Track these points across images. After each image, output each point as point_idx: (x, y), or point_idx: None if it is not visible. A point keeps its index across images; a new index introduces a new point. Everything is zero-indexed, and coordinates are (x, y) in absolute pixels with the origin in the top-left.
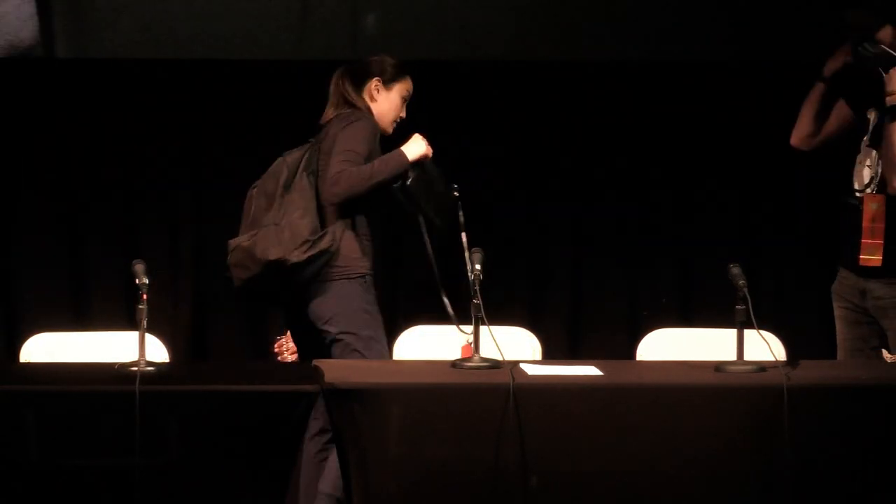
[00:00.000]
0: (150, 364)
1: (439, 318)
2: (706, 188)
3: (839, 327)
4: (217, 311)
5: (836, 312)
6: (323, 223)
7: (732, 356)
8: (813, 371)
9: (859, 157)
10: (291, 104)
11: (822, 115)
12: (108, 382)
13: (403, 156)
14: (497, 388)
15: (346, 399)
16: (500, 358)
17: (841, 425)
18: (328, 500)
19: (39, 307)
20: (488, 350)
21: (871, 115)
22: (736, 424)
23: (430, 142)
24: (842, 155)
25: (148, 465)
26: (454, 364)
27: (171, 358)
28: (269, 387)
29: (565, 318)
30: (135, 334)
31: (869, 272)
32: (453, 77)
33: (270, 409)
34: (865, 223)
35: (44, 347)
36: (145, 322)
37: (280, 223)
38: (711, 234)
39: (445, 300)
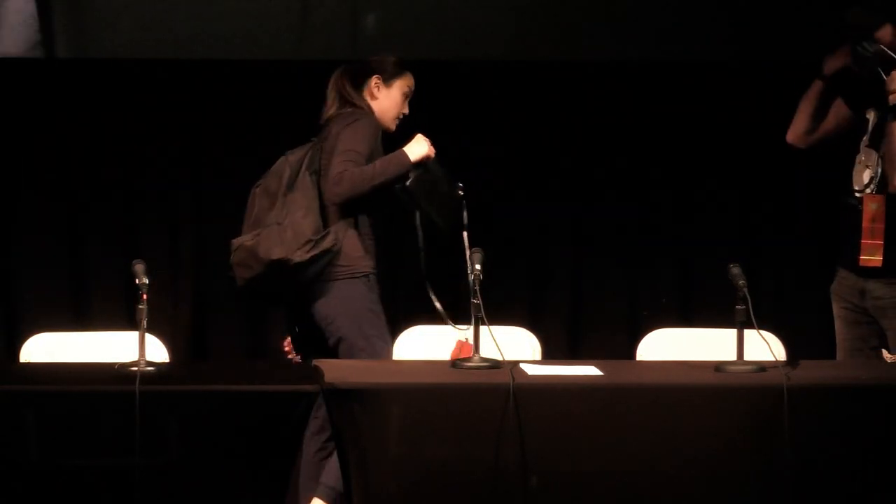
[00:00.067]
0: (150, 364)
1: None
2: (706, 188)
3: (838, 327)
4: (217, 311)
5: (836, 312)
6: (326, 222)
7: (732, 356)
8: (813, 371)
9: (859, 158)
10: (291, 104)
11: (819, 113)
12: (108, 382)
13: (406, 156)
14: (497, 388)
15: (346, 399)
16: (500, 358)
17: (841, 425)
18: (329, 492)
19: (39, 307)
20: (488, 350)
21: (871, 116)
22: (736, 424)
23: (431, 141)
24: (841, 155)
25: (148, 465)
26: (454, 364)
27: (171, 358)
28: (269, 387)
29: (565, 318)
30: (135, 334)
31: (868, 272)
32: (453, 77)
33: (270, 409)
34: (865, 223)
35: (44, 347)
36: (145, 322)
37: (283, 223)
38: (711, 234)
39: (433, 297)
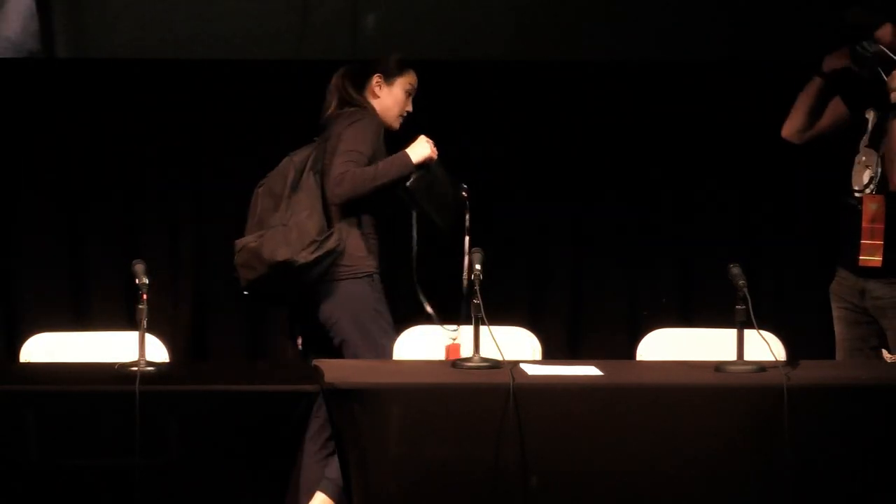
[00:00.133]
0: (150, 364)
1: (442, 317)
2: (706, 188)
3: (838, 328)
4: (217, 311)
5: (835, 313)
6: (329, 222)
7: (732, 356)
8: (813, 371)
9: (858, 158)
10: (291, 104)
11: (816, 110)
12: (108, 382)
13: (408, 158)
14: (497, 388)
15: (346, 399)
16: (500, 358)
17: (841, 425)
18: (334, 487)
19: (39, 307)
20: (488, 350)
21: (870, 116)
22: (736, 424)
23: (433, 143)
24: (841, 155)
25: (148, 465)
26: (454, 364)
27: (171, 358)
28: (269, 387)
29: (565, 318)
30: (135, 334)
31: (868, 272)
32: (453, 77)
33: (270, 409)
34: (865, 224)
35: (44, 347)
36: (145, 322)
37: (287, 223)
38: (711, 234)
39: (422, 298)
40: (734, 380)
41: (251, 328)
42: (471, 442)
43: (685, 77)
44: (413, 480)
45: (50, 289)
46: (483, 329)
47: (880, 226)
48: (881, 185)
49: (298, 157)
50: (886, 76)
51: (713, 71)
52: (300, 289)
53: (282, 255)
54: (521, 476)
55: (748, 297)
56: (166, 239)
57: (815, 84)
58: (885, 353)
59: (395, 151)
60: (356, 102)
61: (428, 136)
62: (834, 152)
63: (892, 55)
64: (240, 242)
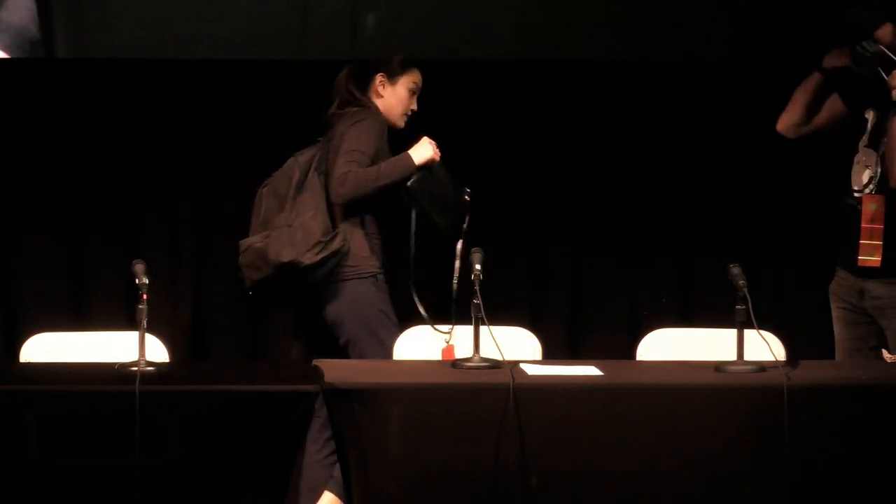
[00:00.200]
0: (150, 364)
1: (441, 318)
2: (706, 188)
3: (837, 328)
4: (217, 311)
5: (834, 313)
6: (333, 222)
7: (732, 356)
8: (813, 371)
9: (857, 158)
10: (291, 104)
11: (814, 106)
12: (108, 382)
13: (410, 159)
14: (497, 388)
15: (346, 399)
16: (500, 358)
17: (841, 425)
18: (339, 485)
19: (39, 307)
20: (488, 350)
21: (870, 116)
22: (736, 424)
23: (435, 144)
24: (840, 155)
25: (148, 465)
26: (454, 364)
27: (171, 358)
28: (269, 387)
29: (565, 318)
30: (135, 334)
31: (867, 272)
32: (453, 77)
33: (270, 409)
34: (864, 224)
35: (44, 347)
36: (145, 322)
37: (293, 224)
38: (711, 234)
39: (416, 299)
40: (734, 380)
41: (251, 328)
42: (471, 442)
43: (685, 77)
44: (413, 480)
45: (50, 289)
46: (483, 329)
47: (879, 226)
48: (881, 185)
49: (303, 157)
50: (886, 76)
51: (713, 71)
52: (305, 289)
53: (287, 255)
54: (521, 476)
55: (748, 297)
56: (166, 239)
57: (814, 79)
58: (884, 352)
59: (398, 153)
60: (360, 102)
61: (428, 135)
62: (833, 152)
63: (892, 55)
64: (245, 243)
